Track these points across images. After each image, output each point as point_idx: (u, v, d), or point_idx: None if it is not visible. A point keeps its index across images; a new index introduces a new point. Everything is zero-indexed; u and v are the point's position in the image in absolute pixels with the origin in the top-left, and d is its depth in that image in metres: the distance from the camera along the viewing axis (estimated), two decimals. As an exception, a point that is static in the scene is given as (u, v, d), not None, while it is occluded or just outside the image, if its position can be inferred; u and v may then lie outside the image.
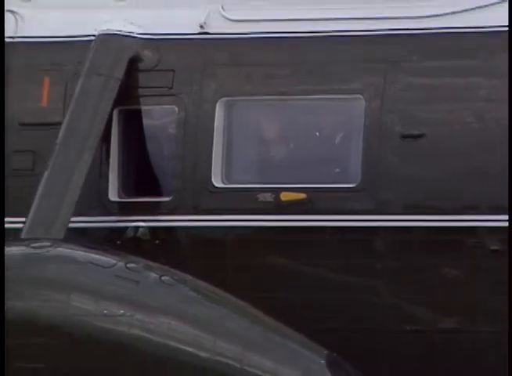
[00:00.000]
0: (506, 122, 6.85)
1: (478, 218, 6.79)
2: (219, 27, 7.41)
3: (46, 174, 7.44)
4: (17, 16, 7.80)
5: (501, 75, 6.76)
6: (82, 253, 7.33)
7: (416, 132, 6.98)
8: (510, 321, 7.12)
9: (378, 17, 7.19)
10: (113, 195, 7.66)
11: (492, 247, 6.74)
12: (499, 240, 6.73)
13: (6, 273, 7.29)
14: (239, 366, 6.85)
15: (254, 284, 7.23)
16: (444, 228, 6.96)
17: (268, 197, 7.28)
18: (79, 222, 7.51)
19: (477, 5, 6.73)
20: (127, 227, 7.52)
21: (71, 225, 7.36)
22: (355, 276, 7.09)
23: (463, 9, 6.77)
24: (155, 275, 7.13)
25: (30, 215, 7.24)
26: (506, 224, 6.82)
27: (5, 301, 7.18)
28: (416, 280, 6.96)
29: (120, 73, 7.56)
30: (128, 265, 7.17)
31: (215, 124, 7.39)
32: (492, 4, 6.74)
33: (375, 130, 7.13)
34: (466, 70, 6.93)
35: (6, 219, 7.56)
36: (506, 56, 6.93)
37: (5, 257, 7.36)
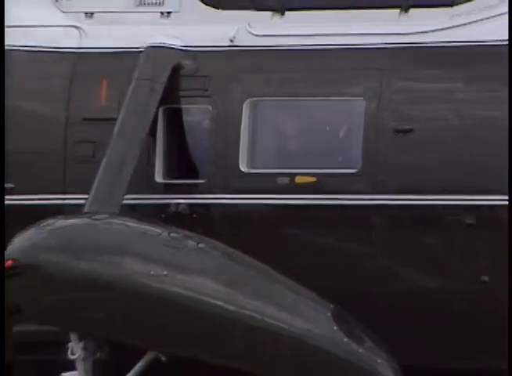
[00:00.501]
0: (479, 118, 8.10)
1: (456, 197, 8.04)
2: (245, 40, 8.64)
3: (104, 161, 8.65)
4: (81, 31, 9.07)
5: (473, 81, 8.05)
6: (133, 224, 8.53)
7: (406, 127, 8.30)
8: (509, 321, 8.05)
9: (373, 33, 8.32)
10: (158, 177, 8.83)
11: (467, 222, 8.00)
12: (474, 215, 7.98)
13: (73, 240, 8.60)
14: (259, 317, 8.03)
15: (273, 251, 8.38)
16: (428, 205, 8.23)
17: (285, 180, 8.58)
18: (131, 199, 8.65)
19: (450, 25, 8.05)
20: (170, 204, 8.70)
21: (125, 202, 8.52)
22: (353, 245, 8.35)
23: (442, 27, 8.06)
24: (192, 242, 8.35)
25: (91, 193, 8.51)
26: (481, 202, 8.06)
27: (72, 262, 8.49)
28: (404, 248, 8.25)
29: (164, 78, 8.74)
30: (171, 235, 8.39)
31: (242, 120, 8.58)
32: (459, 25, 8.11)
33: (373, 126, 8.46)
34: (446, 77, 8.23)
35: (72, 196, 8.88)
36: (474, 65, 8.18)
37: (72, 226, 8.72)
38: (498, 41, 8.22)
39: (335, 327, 8.25)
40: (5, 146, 9.25)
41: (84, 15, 9.41)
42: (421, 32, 8.30)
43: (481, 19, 8.56)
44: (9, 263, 8.69)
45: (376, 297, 8.30)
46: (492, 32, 8.37)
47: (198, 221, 8.80)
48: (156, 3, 9.17)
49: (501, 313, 7.99)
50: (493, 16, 8.57)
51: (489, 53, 8.43)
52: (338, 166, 8.51)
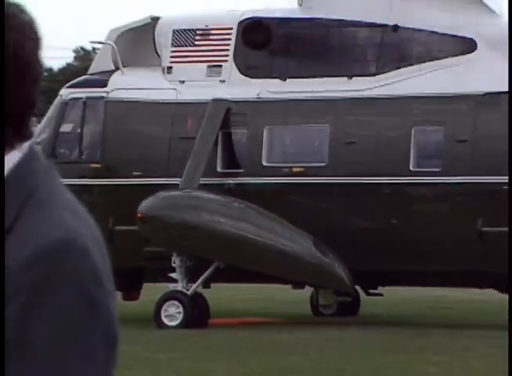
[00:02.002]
0: (378, 136, 14.01)
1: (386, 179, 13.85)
2: (265, 95, 14.51)
3: (190, 159, 14.39)
4: (177, 91, 14.80)
5: (384, 117, 13.98)
6: (206, 194, 14.44)
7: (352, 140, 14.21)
8: (510, 321, 9.67)
9: (334, 90, 14.16)
10: (219, 168, 14.70)
11: (385, 192, 13.85)
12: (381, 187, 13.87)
13: (174, 203, 14.32)
14: (274, 244, 13.90)
15: (288, 215, 14.11)
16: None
17: (287, 170, 14.43)
18: (204, 180, 14.42)
19: (374, 86, 14.00)
20: (225, 183, 14.65)
21: (200, 182, 14.32)
22: (325, 205, 14.10)
23: (370, 87, 14.01)
24: (236, 204, 14.31)
25: (183, 177, 14.31)
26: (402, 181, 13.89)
27: (175, 215, 14.18)
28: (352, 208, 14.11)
29: (222, 115, 14.56)
30: (227, 200, 14.40)
31: (263, 138, 14.48)
32: (378, 86, 14.00)
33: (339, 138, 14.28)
34: (369, 113, 14.18)
35: (173, 179, 14.38)
36: (385, 109, 14.09)
37: (174, 195, 14.46)
38: (397, 94, 14.15)
39: (313, 248, 14.05)
40: (138, 149, 14.86)
41: (178, 82, 15.11)
42: (358, 90, 14.20)
43: (393, 83, 14.27)
44: (139, 215, 14.30)
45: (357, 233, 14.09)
46: (397, 89, 14.20)
47: (239, 193, 14.63)
48: (217, 73, 14.87)
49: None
50: (399, 81, 14.29)
51: (396, 102, 14.21)
52: (316, 161, 14.63)
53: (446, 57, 14.76)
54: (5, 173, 1.70)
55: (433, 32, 14.70)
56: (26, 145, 1.68)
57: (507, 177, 12.79)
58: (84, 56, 46.22)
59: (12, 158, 1.67)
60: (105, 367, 1.65)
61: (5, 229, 1.69)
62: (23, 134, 1.66)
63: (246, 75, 15.17)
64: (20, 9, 1.60)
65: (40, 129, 15.55)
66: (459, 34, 14.69)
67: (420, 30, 14.65)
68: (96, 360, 1.62)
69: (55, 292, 1.64)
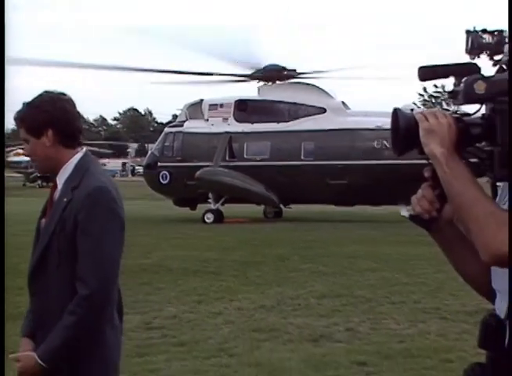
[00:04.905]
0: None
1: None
2: (246, 130, 33.78)
3: (216, 154, 31.76)
4: (210, 125, 34.07)
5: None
6: (222, 169, 31.72)
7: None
8: (510, 320, 28.58)
9: (271, 127, 31.40)
10: (226, 158, 32.82)
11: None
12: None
13: (208, 173, 32.45)
14: (248, 187, 32.76)
15: (257, 178, 33.32)
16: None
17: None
18: (221, 163, 31.45)
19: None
20: (229, 165, 32.96)
21: (220, 164, 31.90)
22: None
23: (287, 125, 33.04)
24: (236, 173, 31.88)
25: (213, 162, 32.11)
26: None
27: (210, 177, 31.41)
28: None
29: (227, 138, 33.36)
30: (230, 171, 32.28)
31: (244, 146, 33.61)
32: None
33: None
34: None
35: (209, 163, 32.50)
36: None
37: (208, 169, 31.79)
38: (291, 129, 31.12)
39: (264, 189, 30.88)
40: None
41: (211, 125, 31.57)
42: (279, 127, 33.01)
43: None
44: (196, 177, 30.02)
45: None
46: (290, 126, 31.64)
47: (235, 169, 30.74)
48: (226, 121, 32.36)
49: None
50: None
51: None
52: (265, 155, 33.98)
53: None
54: (76, 161, 3.48)
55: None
56: (83, 149, 3.45)
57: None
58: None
59: (79, 155, 3.46)
60: (120, 243, 3.41)
61: (75, 185, 3.42)
62: (80, 144, 3.38)
63: (238, 122, 30.83)
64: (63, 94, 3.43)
65: (155, 145, 34.94)
66: None
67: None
68: (115, 240, 3.38)
69: (97, 209, 3.34)
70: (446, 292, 13.22)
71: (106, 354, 3.54)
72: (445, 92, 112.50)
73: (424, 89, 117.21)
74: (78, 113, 3.59)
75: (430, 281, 14.58)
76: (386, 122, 28.76)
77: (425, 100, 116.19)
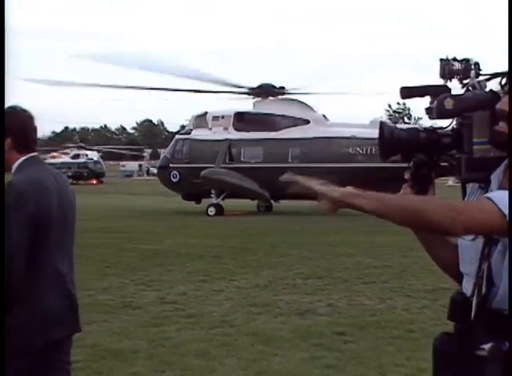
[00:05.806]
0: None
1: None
2: (242, 137, 33.54)
3: (218, 157, 31.74)
4: (213, 136, 33.86)
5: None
6: (222, 170, 31.23)
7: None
8: (510, 320, 28.21)
9: (263, 136, 31.08)
10: (226, 161, 32.84)
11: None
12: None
13: (212, 171, 30.98)
14: (244, 184, 32.76)
15: (251, 177, 31.29)
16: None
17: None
18: (222, 165, 32.37)
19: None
20: (228, 166, 33.77)
21: (221, 165, 32.41)
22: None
23: (277, 134, 32.43)
24: (234, 173, 31.48)
25: (215, 164, 32.82)
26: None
27: (213, 176, 30.47)
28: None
29: (227, 144, 33.09)
30: (228, 171, 31.30)
31: (241, 151, 33.48)
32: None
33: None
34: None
35: (212, 165, 33.37)
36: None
37: (210, 170, 30.46)
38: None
39: (258, 187, 30.91)
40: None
41: (214, 132, 32.09)
42: (270, 136, 32.87)
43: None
44: (201, 176, 30.49)
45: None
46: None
47: (233, 170, 30.95)
48: (226, 129, 31.97)
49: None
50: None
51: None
52: (258, 158, 33.68)
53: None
54: (18, 163, 3.52)
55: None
56: (31, 154, 3.55)
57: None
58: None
59: (22, 158, 3.59)
60: (24, 232, 3.40)
61: (9, 181, 3.39)
62: (32, 151, 3.57)
63: (236, 130, 29.41)
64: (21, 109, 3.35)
65: (167, 150, 34.50)
66: None
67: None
68: (22, 229, 3.36)
69: (7, 200, 3.40)
70: (409, 274, 13.19)
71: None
72: (405, 108, 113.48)
73: (389, 105, 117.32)
74: (35, 126, 3.67)
75: (396, 265, 14.46)
76: (359, 132, 28.03)
77: (389, 115, 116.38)
